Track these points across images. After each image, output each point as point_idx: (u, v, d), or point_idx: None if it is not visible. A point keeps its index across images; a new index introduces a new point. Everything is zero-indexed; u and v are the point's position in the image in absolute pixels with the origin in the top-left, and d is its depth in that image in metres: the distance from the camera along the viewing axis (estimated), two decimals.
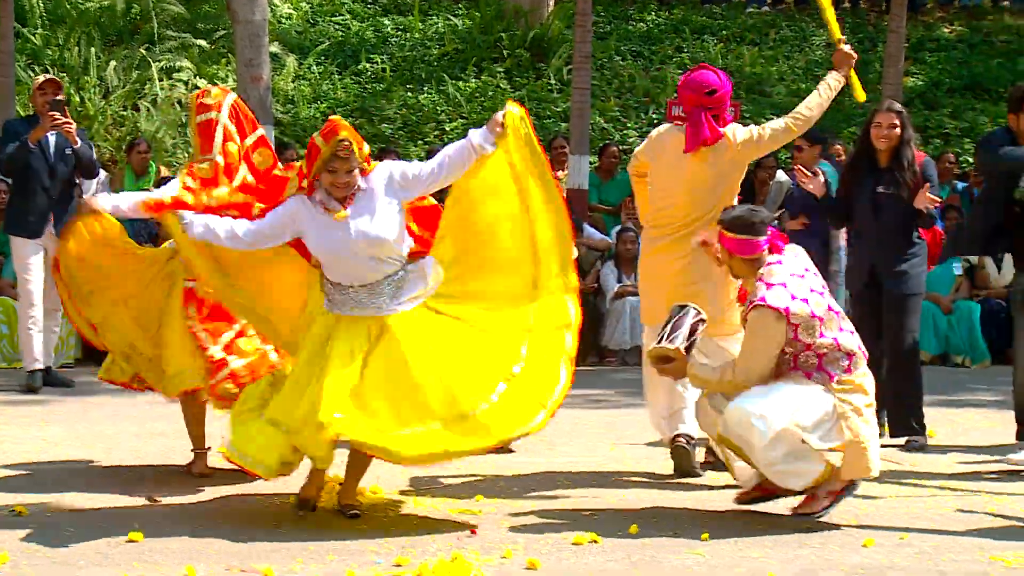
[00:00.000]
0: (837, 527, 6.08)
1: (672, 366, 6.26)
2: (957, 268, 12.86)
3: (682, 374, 6.29)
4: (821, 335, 6.03)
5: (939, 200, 7.94)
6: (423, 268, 6.15)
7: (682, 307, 6.36)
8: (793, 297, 6.01)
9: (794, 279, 6.09)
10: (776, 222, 6.79)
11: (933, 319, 12.48)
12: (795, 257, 6.25)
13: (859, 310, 8.20)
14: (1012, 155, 7.56)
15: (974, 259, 12.97)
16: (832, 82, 7.24)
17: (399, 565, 5.34)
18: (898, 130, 8.00)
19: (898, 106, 8.21)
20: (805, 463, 6.02)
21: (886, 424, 8.06)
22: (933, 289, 12.60)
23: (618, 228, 13.06)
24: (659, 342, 6.27)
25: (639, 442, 8.10)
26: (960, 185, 14.56)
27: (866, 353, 6.20)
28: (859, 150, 8.24)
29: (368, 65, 17.31)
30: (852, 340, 6.13)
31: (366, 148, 6.05)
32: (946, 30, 19.42)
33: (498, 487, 6.85)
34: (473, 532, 5.84)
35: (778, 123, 7.14)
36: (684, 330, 6.26)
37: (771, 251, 6.20)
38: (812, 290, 6.10)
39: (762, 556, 5.59)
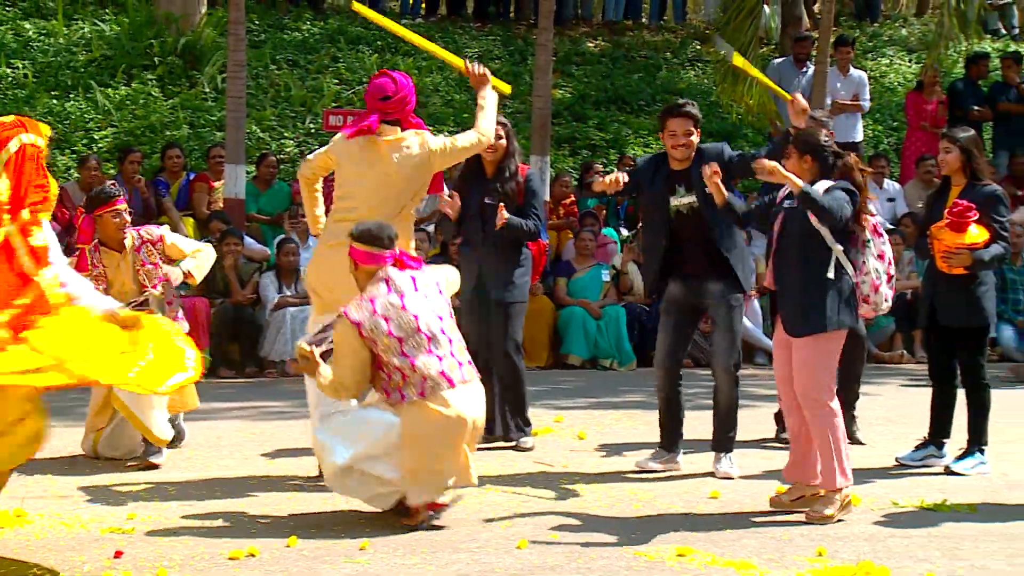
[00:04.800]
0: (491, 530, 6.24)
1: (305, 364, 6.40)
2: (605, 275, 13.34)
3: (310, 373, 6.45)
4: (402, 355, 6.16)
5: (505, 218, 8.11)
6: None
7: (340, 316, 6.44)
8: (374, 312, 6.16)
9: (391, 295, 6.22)
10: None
11: (583, 324, 12.91)
12: (421, 274, 6.40)
13: (467, 317, 8.40)
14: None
15: (619, 265, 13.50)
16: (485, 97, 7.53)
17: None
18: (503, 141, 8.23)
19: (502, 118, 8.32)
20: (377, 488, 6.26)
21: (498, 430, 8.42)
22: (583, 295, 13.08)
23: (279, 239, 12.96)
24: (309, 343, 6.41)
25: (298, 451, 8.07)
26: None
27: (454, 382, 6.26)
28: (468, 161, 8.37)
29: (8, 71, 16.55)
30: (436, 366, 6.20)
31: None
32: (591, 45, 20.16)
33: (152, 503, 6.70)
34: (118, 555, 5.69)
35: (470, 136, 7.43)
36: (330, 336, 6.37)
37: (396, 266, 6.35)
38: (406, 308, 6.21)
39: (420, 562, 5.68)
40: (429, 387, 6.17)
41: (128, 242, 7.98)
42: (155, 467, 7.60)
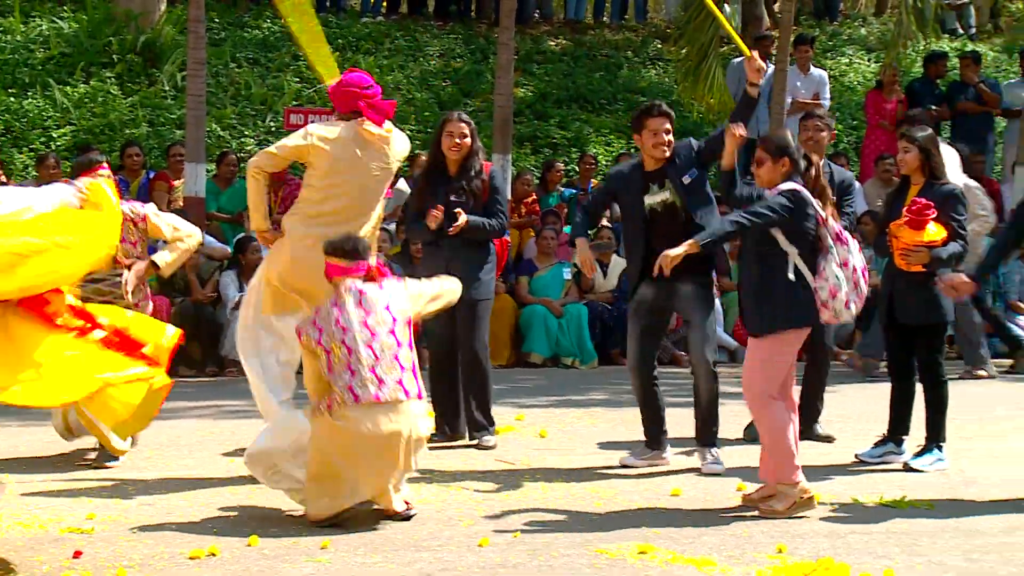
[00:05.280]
0: (454, 529, 6.24)
1: None
2: (567, 273, 13.36)
3: None
4: (327, 366, 6.25)
5: (464, 222, 8.11)
6: None
7: None
8: (314, 323, 6.31)
9: (333, 308, 6.32)
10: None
11: (545, 322, 12.92)
12: (375, 288, 6.42)
13: (434, 316, 8.36)
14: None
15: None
16: None
17: None
18: (468, 139, 8.28)
19: (466, 116, 8.43)
20: (288, 483, 6.53)
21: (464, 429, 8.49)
22: (545, 293, 13.09)
23: (239, 236, 12.91)
24: None
25: None
26: (567, 192, 15.16)
27: (359, 399, 6.18)
28: (432, 160, 8.41)
29: None
30: (345, 381, 6.18)
31: None
32: (552, 43, 20.18)
33: (112, 503, 6.67)
34: (77, 555, 5.66)
35: None
36: None
37: (366, 279, 6.43)
38: (339, 321, 6.26)
39: (382, 561, 5.68)
40: (336, 401, 6.20)
41: None
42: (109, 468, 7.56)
